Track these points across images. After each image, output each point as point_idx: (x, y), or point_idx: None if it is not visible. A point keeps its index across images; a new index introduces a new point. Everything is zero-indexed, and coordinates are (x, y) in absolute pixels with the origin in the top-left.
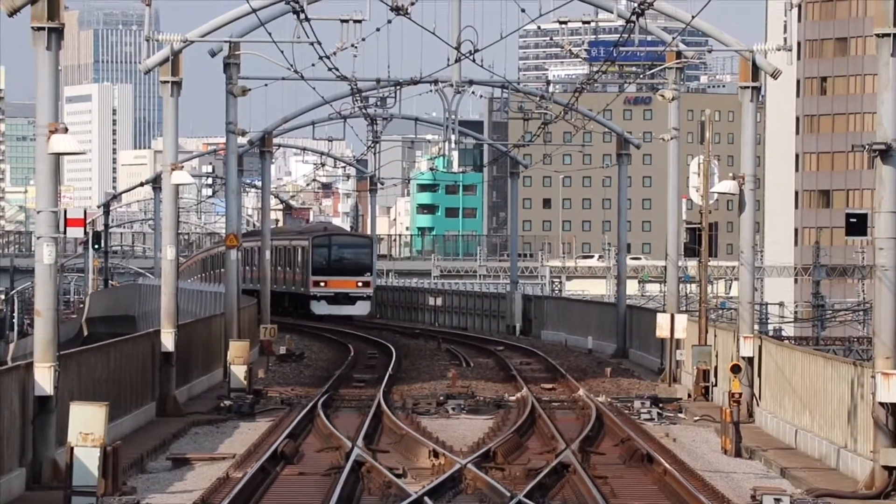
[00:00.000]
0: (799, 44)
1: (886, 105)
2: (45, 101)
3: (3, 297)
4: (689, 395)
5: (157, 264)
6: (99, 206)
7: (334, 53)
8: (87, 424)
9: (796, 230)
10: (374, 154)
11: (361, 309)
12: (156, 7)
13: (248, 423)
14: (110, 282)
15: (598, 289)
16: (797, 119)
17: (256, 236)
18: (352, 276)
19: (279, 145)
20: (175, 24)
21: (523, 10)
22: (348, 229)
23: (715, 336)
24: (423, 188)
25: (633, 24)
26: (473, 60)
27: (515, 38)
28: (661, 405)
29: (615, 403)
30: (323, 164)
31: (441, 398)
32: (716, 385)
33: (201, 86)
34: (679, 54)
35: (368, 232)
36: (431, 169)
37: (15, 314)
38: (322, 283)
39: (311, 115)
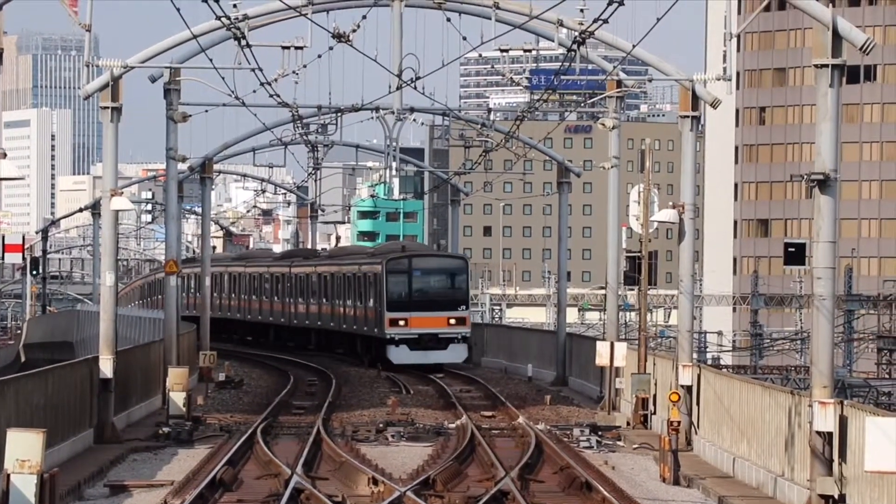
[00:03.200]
0: (738, 74)
1: (824, 135)
2: None
3: None
4: (628, 423)
5: (96, 290)
6: (37, 232)
7: (275, 80)
8: (24, 451)
9: (735, 259)
10: (315, 181)
11: (455, 354)
12: (96, 32)
13: (187, 450)
14: (48, 308)
15: (539, 316)
16: (736, 148)
17: (218, 262)
18: (441, 310)
19: (219, 171)
20: (115, 50)
21: (465, 38)
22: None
23: (654, 364)
24: (363, 215)
25: (573, 53)
26: (415, 88)
27: (457, 66)
28: (600, 433)
29: (554, 431)
30: (263, 191)
31: (381, 425)
32: (655, 413)
33: (141, 111)
34: (619, 83)
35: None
36: (372, 196)
37: None
38: (401, 322)
39: (251, 142)
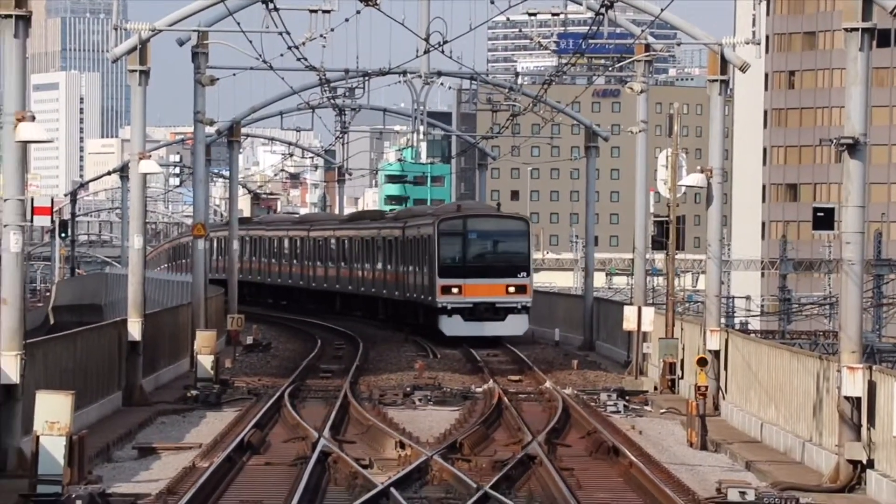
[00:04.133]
0: (767, 37)
1: (854, 100)
2: (12, 89)
3: None
4: (656, 388)
5: (125, 253)
6: (66, 195)
7: (303, 44)
8: (53, 413)
9: (763, 224)
10: (343, 144)
11: (515, 326)
12: None
13: (215, 413)
14: (77, 270)
15: (566, 281)
16: (765, 113)
17: (262, 224)
18: (500, 277)
19: (247, 135)
20: (143, 13)
21: (492, 2)
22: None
23: (682, 329)
24: (391, 179)
25: (602, 17)
26: (442, 52)
27: (484, 29)
28: (627, 398)
29: (582, 396)
30: (291, 155)
31: (408, 389)
32: (682, 378)
33: (169, 75)
34: (648, 47)
35: None
36: (400, 160)
37: None
38: (454, 290)
39: (279, 105)
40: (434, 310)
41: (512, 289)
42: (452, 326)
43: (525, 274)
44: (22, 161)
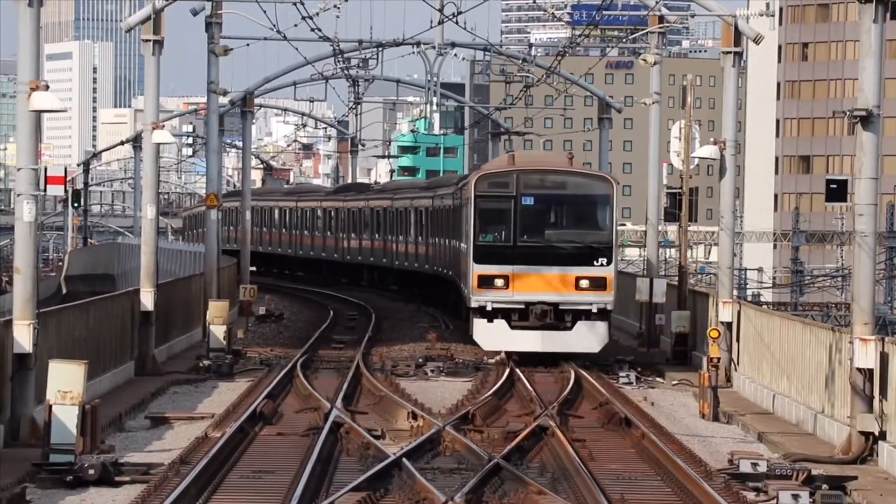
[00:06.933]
0: (781, 9)
1: (868, 72)
2: (25, 59)
3: None
4: (668, 360)
5: (137, 223)
6: (79, 165)
7: (317, 14)
8: (65, 382)
9: (776, 196)
10: (356, 115)
11: (588, 340)
12: None
13: (227, 383)
14: (90, 240)
15: None
16: (778, 85)
17: (294, 195)
18: (567, 264)
19: (260, 105)
20: None
21: None
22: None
23: (694, 301)
24: (404, 150)
25: None
26: (456, 23)
27: (498, 0)
28: (639, 369)
29: (594, 367)
30: (304, 125)
31: (420, 360)
32: (694, 350)
33: (183, 45)
34: (661, 18)
35: None
36: (412, 131)
37: None
38: (498, 281)
39: (292, 76)
40: (466, 309)
41: (585, 282)
42: (491, 336)
43: (606, 261)
44: (35, 130)
